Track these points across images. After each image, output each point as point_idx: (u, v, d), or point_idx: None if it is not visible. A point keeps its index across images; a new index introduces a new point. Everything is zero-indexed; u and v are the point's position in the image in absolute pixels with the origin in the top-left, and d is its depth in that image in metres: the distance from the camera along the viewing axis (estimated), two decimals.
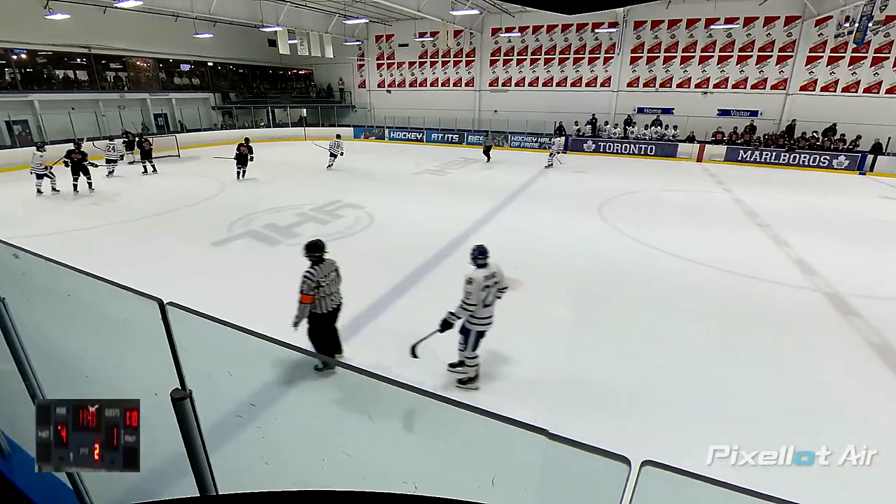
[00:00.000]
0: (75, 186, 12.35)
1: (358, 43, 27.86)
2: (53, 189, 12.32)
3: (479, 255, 4.17)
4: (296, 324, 4.22)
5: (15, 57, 19.15)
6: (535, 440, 0.88)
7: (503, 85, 25.49)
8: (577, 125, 22.61)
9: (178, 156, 19.61)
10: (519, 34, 23.66)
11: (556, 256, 7.95)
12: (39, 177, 11.94)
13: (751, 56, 19.91)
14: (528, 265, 7.37)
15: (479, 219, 10.18)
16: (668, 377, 4.57)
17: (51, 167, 12.01)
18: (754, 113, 20.34)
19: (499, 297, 4.35)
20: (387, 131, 26.60)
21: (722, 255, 8.00)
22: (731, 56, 20.23)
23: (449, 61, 26.57)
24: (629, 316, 5.86)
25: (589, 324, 5.71)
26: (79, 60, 21.23)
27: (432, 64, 27.20)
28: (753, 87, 20.20)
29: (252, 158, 14.53)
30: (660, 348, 5.09)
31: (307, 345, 4.41)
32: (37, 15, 17.72)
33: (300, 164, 18.07)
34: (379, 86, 29.28)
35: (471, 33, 24.81)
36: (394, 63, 28.31)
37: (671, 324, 5.64)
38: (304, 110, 29.11)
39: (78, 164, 12.26)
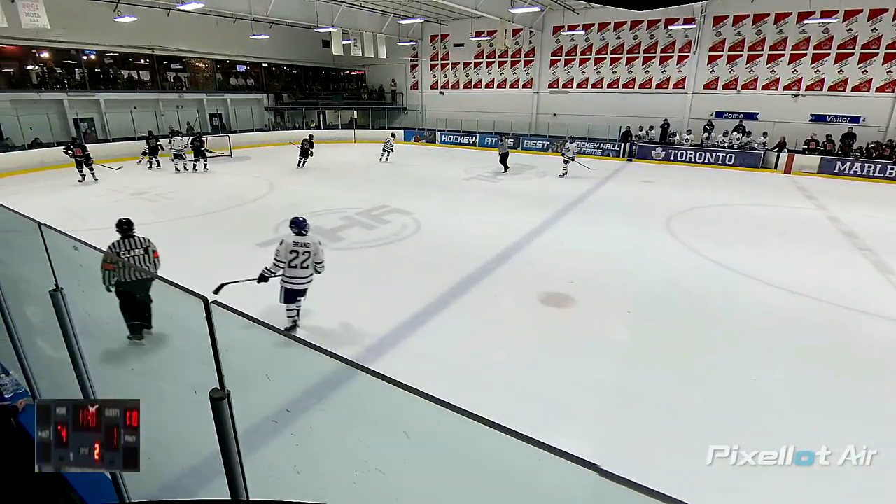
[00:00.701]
0: (194, 166, 17.03)
1: (412, 43, 28.54)
2: (185, 168, 16.70)
3: (294, 225, 5.37)
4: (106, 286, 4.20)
5: (85, 58, 21.21)
6: (585, 476, 0.85)
7: (564, 86, 25.19)
8: (641, 129, 21.89)
9: (230, 155, 20.83)
10: (583, 32, 23.32)
11: (617, 273, 7.70)
12: (177, 156, 16.59)
13: (852, 54, 18.51)
14: (584, 281, 7.19)
15: (532, 229, 10.06)
16: (736, 418, 4.26)
17: (185, 151, 16.99)
18: (855, 119, 18.85)
19: (318, 272, 5.42)
20: (438, 134, 26.97)
21: (812, 280, 7.43)
22: (829, 54, 18.90)
23: (506, 61, 26.63)
24: (696, 344, 5.56)
25: (650, 350, 5.46)
26: (142, 61, 23.19)
27: (488, 64, 27.37)
28: (854, 89, 18.75)
29: (312, 153, 17.85)
30: (729, 383, 4.78)
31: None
32: (106, 18, 19.53)
33: (349, 167, 18.68)
34: (432, 87, 29.80)
35: (530, 32, 24.76)
36: (448, 64, 28.74)
37: (745, 357, 5.29)
38: (355, 112, 30.12)
39: (198, 150, 16.98)
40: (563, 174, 16.61)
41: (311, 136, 18.29)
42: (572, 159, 17.13)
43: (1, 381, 3.92)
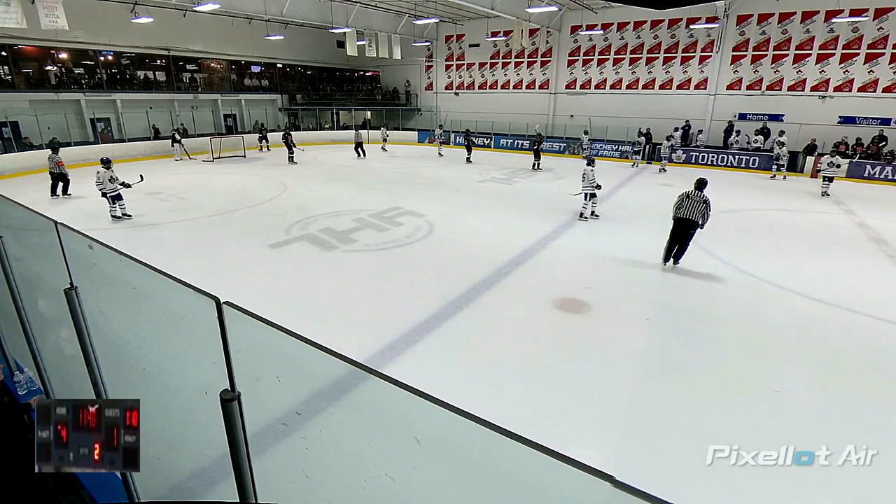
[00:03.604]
0: (290, 158, 19.77)
1: (427, 44, 28.68)
2: (123, 214, 13.75)
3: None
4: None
5: (102, 58, 21.73)
6: (599, 487, 0.84)
7: (581, 87, 25.07)
8: (670, 139, 21.64)
9: (244, 156, 21.13)
10: (601, 31, 23.19)
11: (635, 280, 7.62)
12: (104, 196, 14.91)
13: (883, 53, 18.11)
14: (601, 288, 7.13)
15: (547, 233, 10.01)
16: (757, 434, 4.18)
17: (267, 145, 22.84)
18: (886, 121, 18.42)
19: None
20: (452, 136, 27.02)
21: (839, 289, 7.26)
22: (858, 54, 18.52)
23: (522, 62, 26.61)
24: (718, 353, 5.46)
25: (669, 360, 5.39)
26: (158, 62, 23.67)
27: (504, 65, 27.37)
28: (885, 90, 18.34)
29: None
30: (752, 395, 4.69)
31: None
32: (123, 19, 20.00)
33: (362, 168, 18.80)
34: (447, 88, 29.89)
35: (548, 32, 24.71)
36: (463, 64, 28.81)
37: (769, 369, 5.18)
38: (369, 113, 30.35)
39: (289, 144, 19.98)
40: (585, 215, 11.32)
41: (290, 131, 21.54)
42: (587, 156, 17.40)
43: (15, 377, 4.02)
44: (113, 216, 10.57)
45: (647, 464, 3.80)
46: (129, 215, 10.82)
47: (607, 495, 0.82)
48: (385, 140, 24.63)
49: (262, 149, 23.25)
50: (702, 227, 7.77)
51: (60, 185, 13.04)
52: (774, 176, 17.90)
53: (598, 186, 10.98)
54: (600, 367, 5.11)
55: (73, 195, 13.16)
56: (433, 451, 1.16)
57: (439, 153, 23.03)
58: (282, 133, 21.19)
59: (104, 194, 10.41)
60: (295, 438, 1.45)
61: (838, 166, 14.95)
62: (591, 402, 4.52)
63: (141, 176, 11.80)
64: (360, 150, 21.43)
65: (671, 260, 8.03)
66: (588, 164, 11.07)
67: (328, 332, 5.76)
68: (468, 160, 20.59)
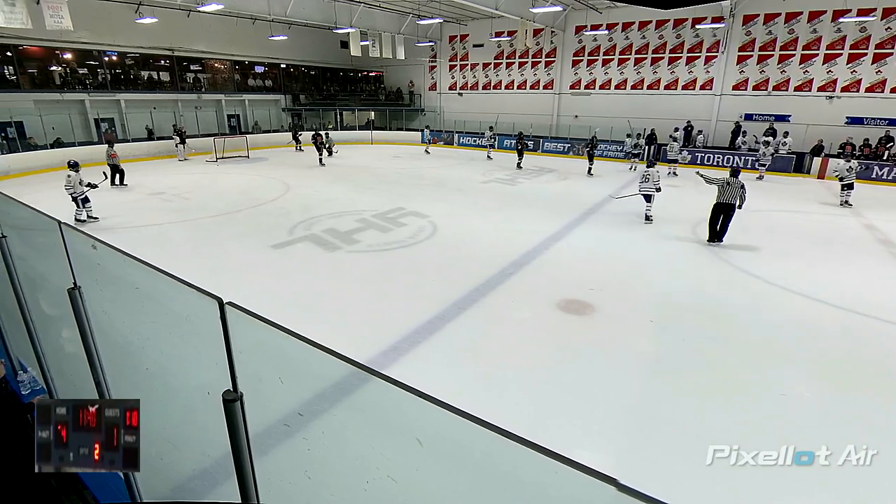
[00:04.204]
0: (321, 160, 19.42)
1: (430, 44, 28.71)
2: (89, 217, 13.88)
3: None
4: None
5: (107, 59, 21.86)
6: (603, 490, 0.83)
7: (586, 87, 25.04)
8: (674, 140, 21.57)
9: (248, 156, 21.20)
10: (606, 32, 23.17)
11: (640, 281, 7.59)
12: (75, 200, 15.21)
13: (891, 53, 18.01)
14: (606, 289, 7.12)
15: (551, 234, 10.00)
16: (757, 434, 4.15)
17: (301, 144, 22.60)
18: (894, 122, 18.31)
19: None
20: (456, 136, 27.03)
21: (847, 291, 7.21)
22: (866, 54, 18.43)
23: (526, 62, 26.60)
24: (722, 356, 5.44)
25: (674, 362, 5.37)
26: (162, 62, 23.80)
27: (508, 65, 27.37)
28: (893, 90, 18.23)
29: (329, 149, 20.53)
30: (756, 397, 4.66)
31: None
32: (128, 19, 20.13)
33: (366, 169, 18.82)
34: (450, 88, 29.91)
35: (552, 32, 24.70)
36: (467, 65, 28.83)
37: (772, 370, 5.15)
38: (372, 113, 30.40)
39: (320, 144, 19.79)
40: (650, 217, 11.11)
41: (321, 132, 20.77)
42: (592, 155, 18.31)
43: (19, 377, 4.04)
44: (78, 220, 10.25)
45: (648, 463, 3.79)
46: (97, 218, 10.59)
47: (610, 498, 0.82)
48: (329, 147, 20.98)
49: (298, 149, 23.33)
50: (739, 208, 9.01)
51: (117, 175, 14.45)
52: (761, 176, 17.50)
53: (659, 189, 10.87)
54: (604, 368, 5.10)
55: (128, 185, 14.58)
56: (435, 453, 1.16)
57: (426, 151, 23.76)
58: (312, 133, 20.92)
59: (74, 198, 10.22)
60: (297, 439, 1.45)
61: (855, 170, 13.43)
62: (594, 403, 4.51)
63: (104, 174, 11.88)
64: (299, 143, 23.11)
65: (716, 239, 9.30)
66: (650, 166, 11.03)
67: (330, 333, 5.77)
68: (518, 166, 19.16)
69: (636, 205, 13.24)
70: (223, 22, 23.92)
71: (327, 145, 20.53)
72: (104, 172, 11.93)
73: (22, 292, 3.19)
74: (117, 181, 14.28)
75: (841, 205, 13.32)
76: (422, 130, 25.73)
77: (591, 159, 18.54)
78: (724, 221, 9.13)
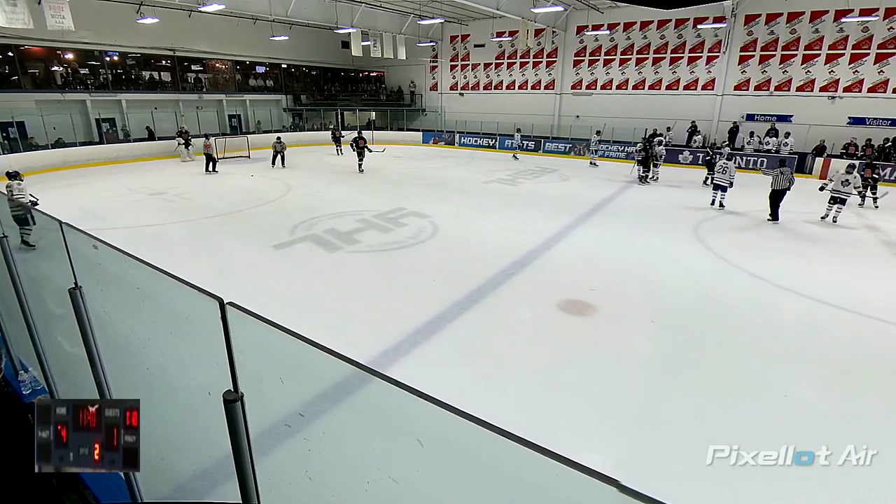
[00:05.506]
0: (360, 166, 17.99)
1: (432, 44, 28.71)
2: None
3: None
4: None
5: (108, 59, 21.90)
6: (605, 492, 0.83)
7: (587, 88, 25.04)
8: (661, 135, 21.54)
9: (249, 156, 21.21)
10: (608, 32, 23.16)
11: (641, 281, 7.58)
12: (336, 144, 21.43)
13: (893, 53, 17.98)
14: (606, 289, 7.11)
15: (552, 234, 9.99)
16: (757, 435, 4.14)
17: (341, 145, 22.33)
18: None
19: None
20: (457, 136, 27.02)
21: (848, 292, 7.20)
22: (868, 54, 18.40)
23: (528, 62, 26.60)
24: (724, 357, 5.43)
25: (675, 362, 5.36)
26: (163, 62, 23.83)
27: (509, 65, 27.37)
28: None
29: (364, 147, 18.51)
30: (759, 399, 4.65)
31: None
32: (129, 20, 20.15)
33: (367, 169, 18.82)
34: (451, 88, 29.91)
35: (553, 32, 24.69)
36: (468, 65, 28.83)
37: (775, 372, 5.15)
38: (373, 113, 30.40)
39: (361, 148, 18.00)
40: (723, 204, 12.44)
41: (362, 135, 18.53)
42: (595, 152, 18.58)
43: (20, 377, 4.05)
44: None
45: (649, 463, 3.79)
46: (33, 246, 8.62)
47: (613, 499, 0.82)
48: (282, 155, 19.04)
49: (339, 152, 22.37)
50: (789, 190, 11.04)
51: (211, 163, 17.12)
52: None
53: (731, 183, 12.20)
54: (604, 368, 5.10)
55: (219, 172, 17.10)
56: (436, 454, 1.16)
57: (514, 157, 22.31)
58: (354, 136, 18.31)
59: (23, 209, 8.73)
60: (298, 440, 1.45)
61: (856, 187, 11.38)
62: (594, 404, 4.51)
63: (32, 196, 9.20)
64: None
65: (776, 219, 11.14)
66: (728, 159, 12.31)
67: (331, 333, 5.77)
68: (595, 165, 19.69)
69: (636, 205, 13.23)
70: (224, 22, 23.95)
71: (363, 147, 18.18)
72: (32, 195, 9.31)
73: (23, 292, 3.19)
74: (210, 168, 17.01)
75: (822, 218, 11.44)
76: (512, 135, 23.57)
77: (645, 164, 16.10)
78: (779, 204, 11.08)
